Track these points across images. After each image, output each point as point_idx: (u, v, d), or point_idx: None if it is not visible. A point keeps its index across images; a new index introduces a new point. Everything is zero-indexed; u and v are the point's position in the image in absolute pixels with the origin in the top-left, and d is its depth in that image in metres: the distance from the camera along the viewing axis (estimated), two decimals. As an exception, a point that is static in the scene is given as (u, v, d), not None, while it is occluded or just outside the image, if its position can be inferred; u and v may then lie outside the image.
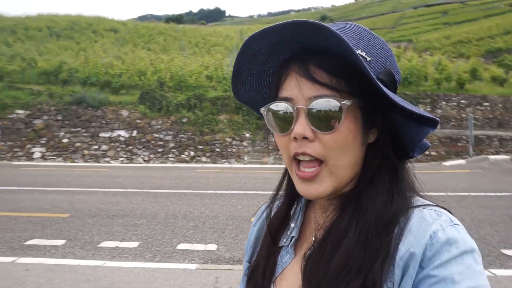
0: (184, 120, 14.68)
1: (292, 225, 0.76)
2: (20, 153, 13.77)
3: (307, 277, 0.65)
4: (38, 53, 19.50)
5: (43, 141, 14.11)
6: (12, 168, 11.78)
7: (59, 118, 14.61)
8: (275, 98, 0.67)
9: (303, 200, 0.78)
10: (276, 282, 0.73)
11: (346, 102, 0.61)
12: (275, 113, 0.66)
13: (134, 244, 5.09)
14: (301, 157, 0.64)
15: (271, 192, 0.81)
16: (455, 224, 0.60)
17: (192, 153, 14.03)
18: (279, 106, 0.65)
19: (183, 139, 14.31)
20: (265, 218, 0.81)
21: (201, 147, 14.11)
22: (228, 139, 14.26)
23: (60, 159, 13.69)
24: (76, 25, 27.35)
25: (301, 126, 0.62)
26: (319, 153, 0.63)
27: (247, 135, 14.31)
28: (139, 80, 16.75)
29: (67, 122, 14.54)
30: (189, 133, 14.38)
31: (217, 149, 14.12)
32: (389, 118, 0.66)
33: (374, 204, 0.63)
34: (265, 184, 9.00)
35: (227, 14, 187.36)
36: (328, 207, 0.70)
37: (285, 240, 0.76)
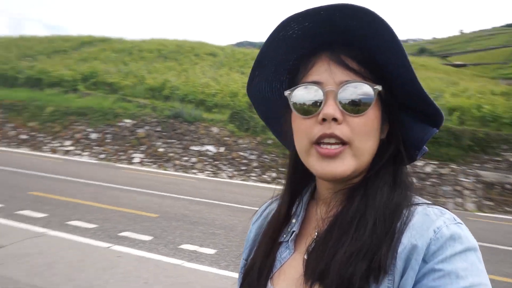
0: (269, 141, 15.01)
1: (294, 220, 0.77)
2: (123, 157, 15.45)
3: (311, 267, 0.64)
4: (147, 72, 21.95)
5: (142, 148, 15.66)
6: (115, 169, 13.27)
7: (158, 129, 16.12)
8: (296, 84, 0.69)
9: (305, 197, 0.79)
10: (273, 278, 0.73)
11: (378, 87, 0.65)
12: (301, 95, 0.67)
13: (211, 251, 5.30)
14: (326, 140, 0.65)
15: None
16: (458, 223, 0.61)
17: (273, 175, 14.21)
18: (307, 88, 0.66)
19: (267, 159, 14.61)
20: (265, 216, 0.85)
21: (283, 169, 14.21)
22: (310, 165, 14.14)
23: (155, 165, 15.00)
24: (181, 48, 30.23)
25: (332, 107, 0.64)
26: (346, 136, 0.64)
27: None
28: (230, 100, 17.73)
29: (164, 133, 15.98)
30: (273, 155, 14.64)
31: (298, 173, 14.08)
32: (398, 119, 0.71)
33: (382, 193, 0.66)
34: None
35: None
36: (331, 201, 0.70)
37: (285, 236, 0.76)
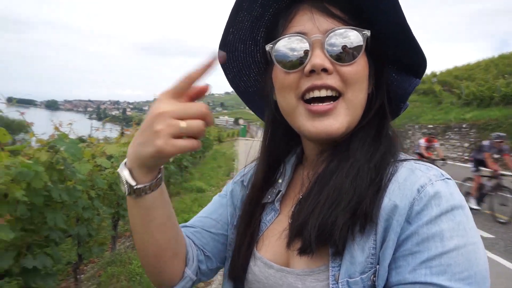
0: None
1: (280, 181, 0.75)
2: None
3: (294, 220, 0.62)
4: None
5: None
6: None
7: None
8: (275, 39, 0.65)
9: (291, 161, 0.77)
10: (258, 242, 0.71)
11: (367, 33, 0.61)
12: (285, 48, 0.63)
13: None
14: (316, 93, 0.61)
15: None
16: (446, 178, 0.57)
17: None
18: (291, 40, 0.63)
19: None
20: (247, 179, 0.81)
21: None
22: None
23: None
24: None
25: (320, 57, 0.60)
26: (339, 85, 0.61)
27: None
28: None
29: None
30: None
31: None
32: (384, 70, 0.69)
33: (364, 146, 0.63)
34: None
35: None
36: (317, 161, 0.66)
37: (269, 196, 0.74)
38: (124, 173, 0.61)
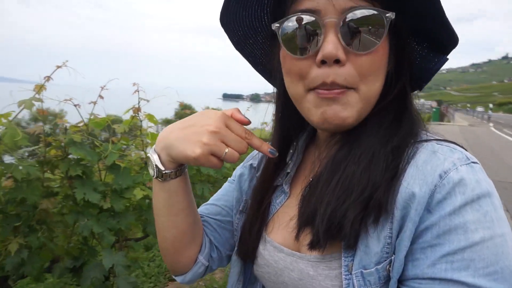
0: None
1: (290, 162, 0.72)
2: None
3: (302, 212, 0.59)
4: None
5: None
6: None
7: None
8: (284, 12, 0.57)
9: (301, 140, 0.73)
10: (268, 225, 0.69)
11: (391, 15, 0.53)
12: (293, 29, 0.55)
13: None
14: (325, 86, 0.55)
15: None
16: (472, 162, 0.51)
17: None
18: (301, 19, 0.54)
19: None
20: (259, 159, 0.77)
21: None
22: None
23: None
24: None
25: (333, 45, 0.52)
26: (351, 82, 0.54)
27: None
28: None
29: None
30: None
31: None
32: (409, 47, 0.61)
33: (380, 129, 0.58)
34: None
35: None
36: (329, 143, 0.62)
37: (280, 179, 0.72)
38: (154, 157, 0.65)
